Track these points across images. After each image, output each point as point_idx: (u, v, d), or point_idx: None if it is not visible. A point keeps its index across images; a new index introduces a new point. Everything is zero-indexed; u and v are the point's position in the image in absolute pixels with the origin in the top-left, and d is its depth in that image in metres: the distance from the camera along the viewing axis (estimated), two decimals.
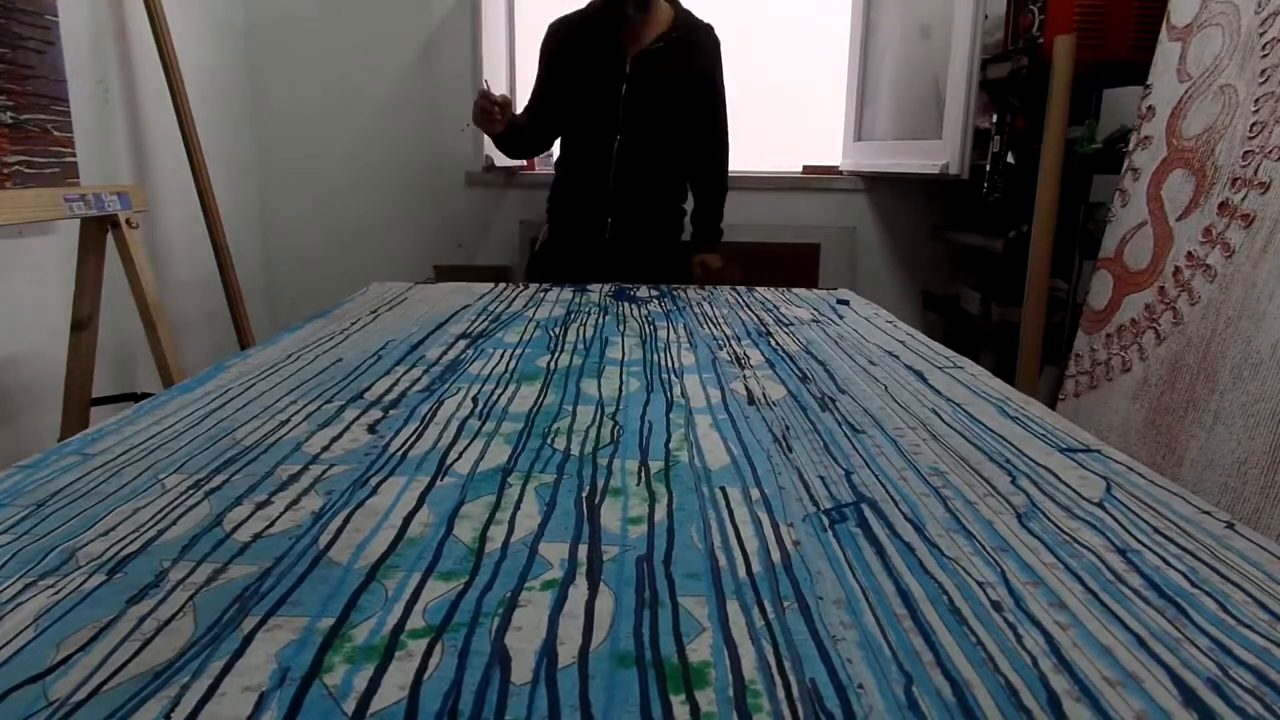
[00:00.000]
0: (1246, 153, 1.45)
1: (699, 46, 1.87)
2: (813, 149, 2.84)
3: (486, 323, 1.35)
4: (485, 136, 2.32)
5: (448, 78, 2.72)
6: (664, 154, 1.91)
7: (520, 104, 2.14)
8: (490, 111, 1.72)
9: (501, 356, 1.11)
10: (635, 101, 1.82)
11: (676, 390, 0.96)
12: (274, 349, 1.13)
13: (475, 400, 0.91)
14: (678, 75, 1.83)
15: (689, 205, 2.03)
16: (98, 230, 1.60)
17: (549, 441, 0.78)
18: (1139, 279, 1.67)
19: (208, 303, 2.37)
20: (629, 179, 1.87)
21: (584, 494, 0.65)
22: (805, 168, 2.78)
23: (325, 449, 0.75)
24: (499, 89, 2.71)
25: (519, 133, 1.89)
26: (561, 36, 1.87)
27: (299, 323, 1.31)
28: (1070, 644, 0.45)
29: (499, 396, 0.93)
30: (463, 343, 1.19)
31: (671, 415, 0.86)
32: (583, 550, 0.56)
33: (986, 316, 2.38)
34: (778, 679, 0.42)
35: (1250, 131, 1.46)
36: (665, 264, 1.95)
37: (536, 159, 2.83)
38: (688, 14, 1.89)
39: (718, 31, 1.91)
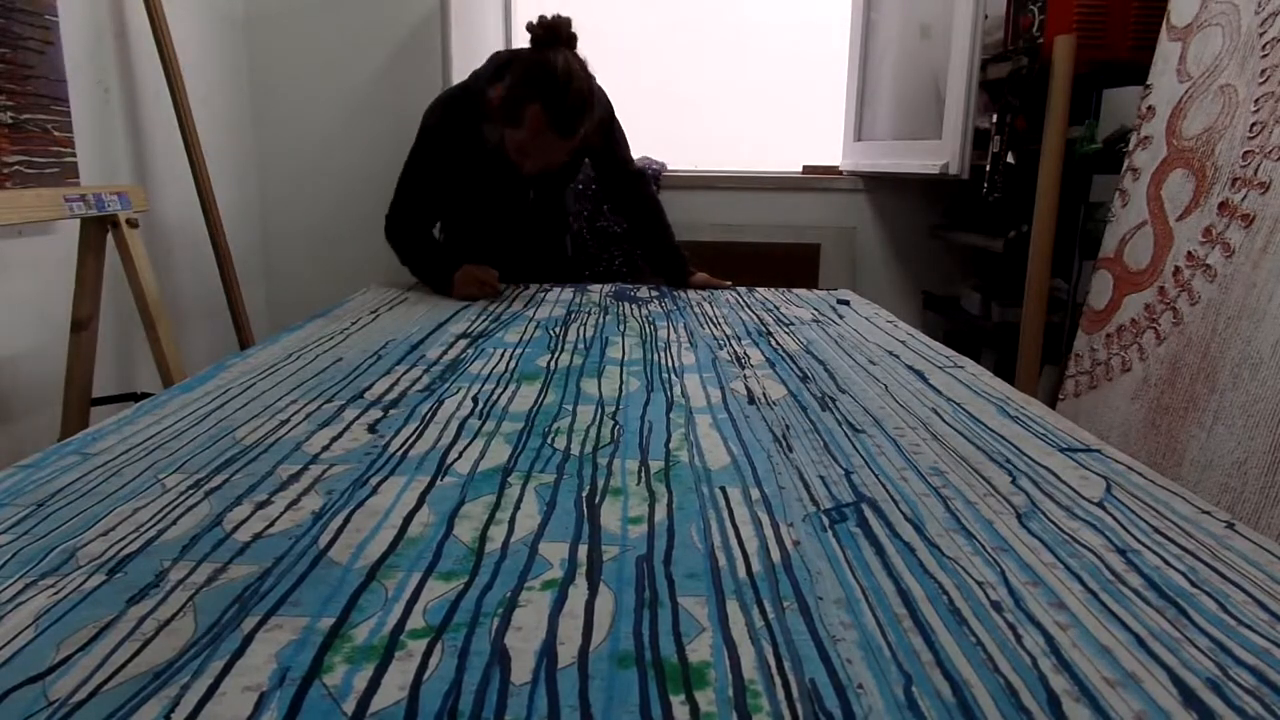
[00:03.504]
0: (1246, 153, 1.45)
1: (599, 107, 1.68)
2: (813, 149, 2.84)
3: (486, 323, 1.35)
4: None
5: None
6: (561, 205, 1.86)
7: None
8: (492, 285, 1.59)
9: (501, 356, 1.11)
10: (541, 184, 1.71)
11: (676, 390, 0.96)
12: (274, 349, 1.13)
13: (475, 400, 0.91)
14: (579, 151, 1.67)
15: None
16: (98, 230, 1.60)
17: (549, 441, 0.78)
18: (1139, 279, 1.67)
19: (208, 303, 2.37)
20: (530, 239, 1.83)
21: (584, 494, 0.65)
22: (805, 168, 2.78)
23: (325, 449, 0.75)
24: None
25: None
26: (447, 136, 1.63)
27: (299, 323, 1.31)
28: (1070, 644, 0.45)
29: (499, 396, 0.93)
30: (463, 342, 1.19)
31: (671, 415, 0.86)
32: (583, 550, 0.56)
33: (986, 316, 2.38)
34: (777, 679, 0.42)
35: (1250, 131, 1.46)
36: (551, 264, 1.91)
37: None
38: None
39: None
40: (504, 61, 1.59)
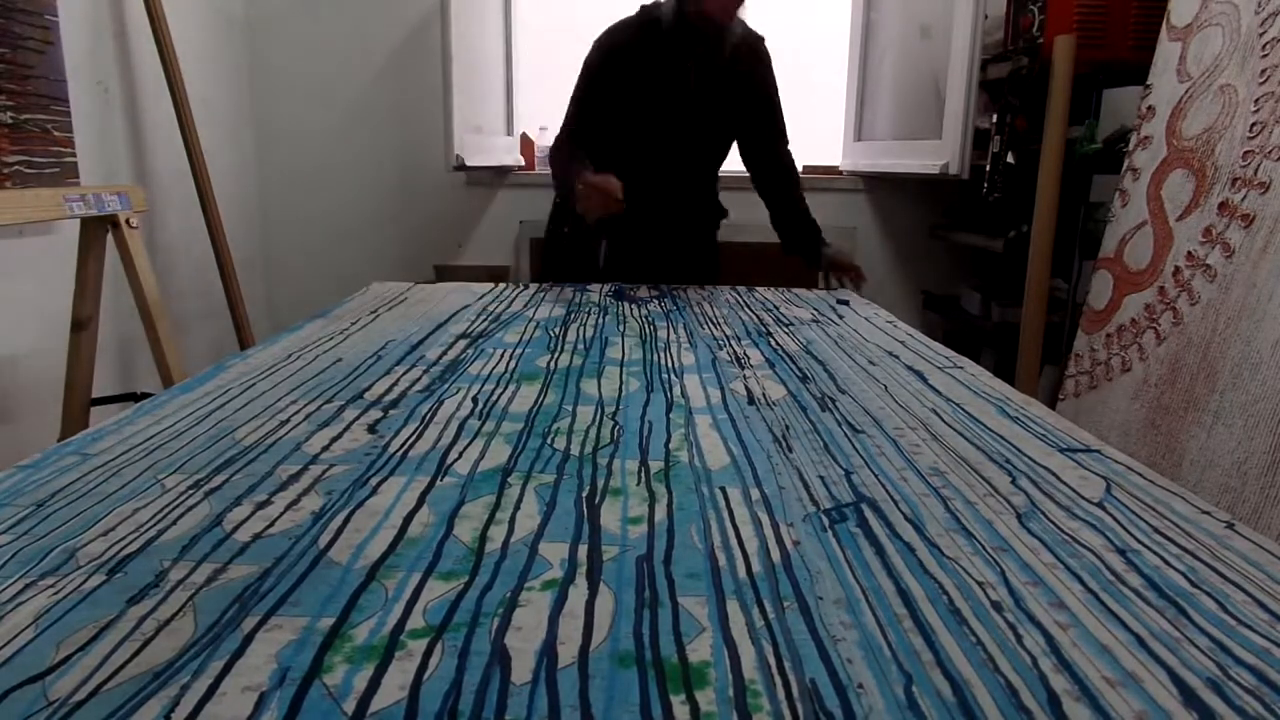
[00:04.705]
0: (1246, 153, 1.45)
1: (758, 56, 1.77)
2: (813, 149, 2.84)
3: (486, 323, 1.35)
4: (460, 135, 2.30)
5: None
6: (715, 163, 1.88)
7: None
8: (614, 197, 1.48)
9: (501, 356, 1.11)
10: (700, 117, 1.74)
11: (676, 390, 0.96)
12: (274, 349, 1.13)
13: (475, 400, 0.91)
14: (740, 88, 1.73)
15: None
16: (98, 230, 1.60)
17: (549, 441, 0.78)
18: (1139, 279, 1.67)
19: (208, 303, 2.37)
20: (679, 191, 1.83)
21: (584, 494, 0.65)
22: (805, 168, 2.78)
23: (325, 449, 0.75)
24: (497, 88, 2.72)
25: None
26: (619, 54, 1.70)
27: (299, 323, 1.31)
28: (1070, 644, 0.45)
29: (499, 396, 0.93)
30: (463, 343, 1.19)
31: (671, 415, 0.86)
32: (583, 550, 0.56)
33: (986, 316, 2.38)
34: (778, 679, 0.42)
35: (1250, 131, 1.46)
36: (703, 262, 1.93)
37: (536, 160, 2.83)
38: (743, 24, 1.77)
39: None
40: None
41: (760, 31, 1.78)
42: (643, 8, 1.72)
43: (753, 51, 1.75)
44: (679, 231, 1.86)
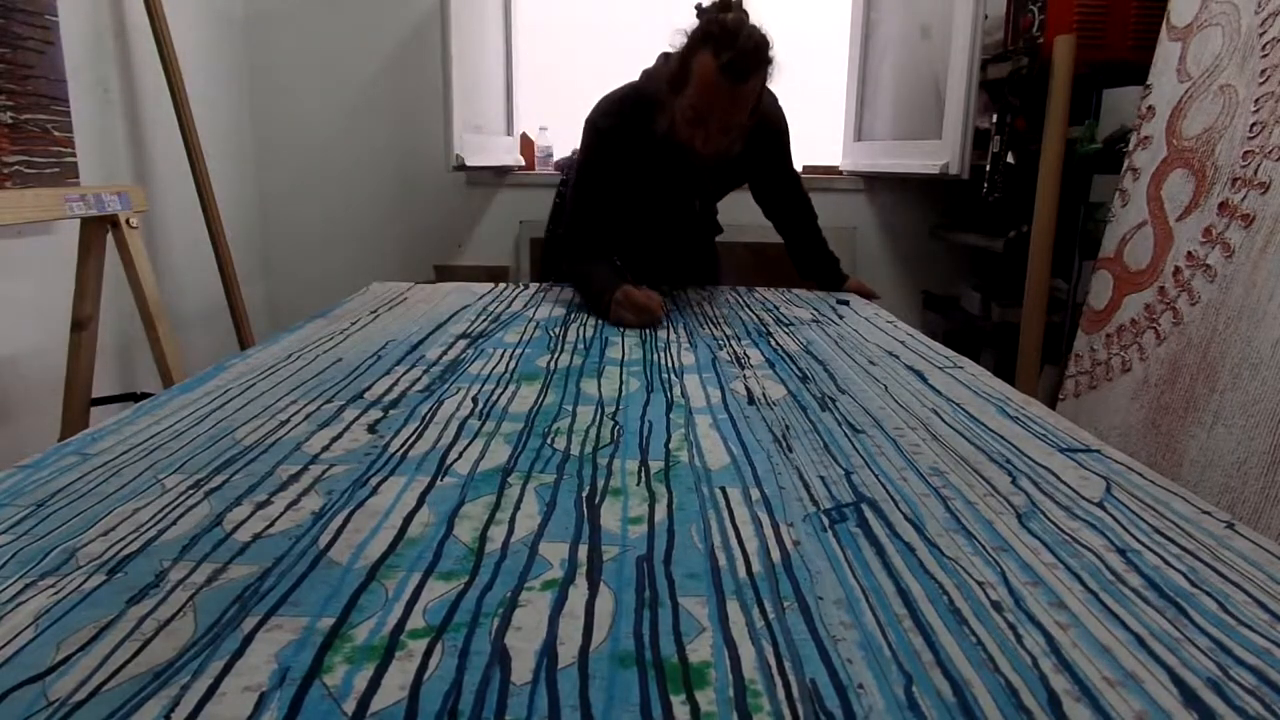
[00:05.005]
0: (1246, 153, 1.45)
1: (771, 127, 1.63)
2: (813, 149, 2.84)
3: (486, 323, 1.35)
4: (460, 135, 2.30)
5: None
6: (719, 199, 1.81)
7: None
8: (655, 315, 1.38)
9: (501, 356, 1.11)
10: (708, 184, 1.66)
11: (676, 390, 0.96)
12: (274, 349, 1.13)
13: (475, 400, 0.91)
14: (753, 156, 1.60)
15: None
16: (98, 230, 1.60)
17: (549, 441, 0.78)
18: (1139, 279, 1.67)
19: (208, 303, 2.37)
20: (682, 226, 1.78)
21: (584, 494, 0.65)
22: (805, 168, 2.78)
23: (325, 449, 0.75)
24: (497, 88, 2.72)
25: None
26: (617, 138, 1.51)
27: (299, 323, 1.31)
28: (1070, 644, 0.45)
29: (499, 396, 0.93)
30: (463, 343, 1.19)
31: (671, 415, 0.86)
32: (583, 550, 0.56)
33: (986, 316, 2.38)
34: (778, 679, 0.42)
35: (1250, 131, 1.46)
36: (703, 266, 1.91)
37: (536, 160, 2.83)
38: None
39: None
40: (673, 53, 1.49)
41: (771, 90, 1.51)
42: (641, 81, 1.54)
43: (764, 124, 1.56)
44: (677, 247, 1.84)
